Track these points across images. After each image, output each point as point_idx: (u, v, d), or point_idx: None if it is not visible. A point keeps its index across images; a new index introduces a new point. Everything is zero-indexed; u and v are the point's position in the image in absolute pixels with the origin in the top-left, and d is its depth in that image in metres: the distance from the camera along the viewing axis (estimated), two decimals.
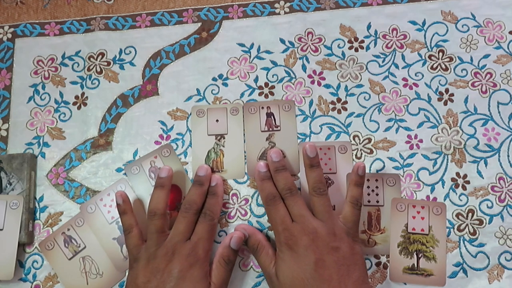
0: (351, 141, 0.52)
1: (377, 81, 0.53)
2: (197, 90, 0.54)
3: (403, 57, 0.54)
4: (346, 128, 0.52)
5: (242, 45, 0.55)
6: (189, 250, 0.44)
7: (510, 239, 0.48)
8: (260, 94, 0.54)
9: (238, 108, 0.53)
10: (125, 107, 0.54)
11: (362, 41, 0.55)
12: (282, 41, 0.55)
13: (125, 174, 0.52)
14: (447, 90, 0.53)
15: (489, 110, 0.52)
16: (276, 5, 0.56)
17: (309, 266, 0.41)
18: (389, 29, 0.55)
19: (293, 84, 0.54)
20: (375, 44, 0.55)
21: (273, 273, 0.44)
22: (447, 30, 0.54)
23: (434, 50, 0.54)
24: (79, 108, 0.55)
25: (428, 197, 0.50)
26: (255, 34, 0.56)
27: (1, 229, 0.49)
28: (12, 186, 0.51)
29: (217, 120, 0.53)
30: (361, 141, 0.52)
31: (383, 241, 0.49)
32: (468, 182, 0.50)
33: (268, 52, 0.55)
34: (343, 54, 0.54)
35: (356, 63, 0.54)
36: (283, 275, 0.42)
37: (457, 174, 0.50)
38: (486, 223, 0.49)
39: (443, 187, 0.50)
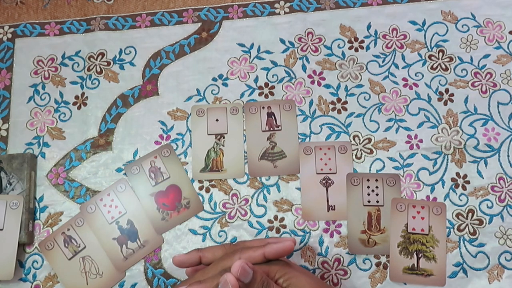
0: (351, 141, 0.52)
1: (377, 81, 0.53)
2: (197, 90, 0.54)
3: (403, 57, 0.54)
4: (346, 128, 0.52)
5: (242, 45, 0.55)
6: None
7: (510, 239, 0.48)
8: (260, 94, 0.54)
9: (238, 107, 0.53)
10: (125, 107, 0.54)
11: (362, 41, 0.55)
12: (282, 41, 0.55)
13: (125, 174, 0.52)
14: (447, 90, 0.53)
15: (489, 110, 0.52)
16: (276, 5, 0.56)
17: None
18: (389, 29, 0.55)
19: (293, 84, 0.54)
20: (375, 44, 0.55)
21: None
22: (447, 30, 0.54)
23: (434, 50, 0.54)
24: (79, 108, 0.55)
25: (428, 197, 0.50)
26: (255, 34, 0.56)
27: (1, 229, 0.49)
28: (12, 186, 0.51)
29: (217, 120, 0.53)
30: (361, 141, 0.52)
31: (383, 241, 0.49)
32: (468, 182, 0.50)
33: (268, 52, 0.55)
34: (343, 54, 0.54)
35: (356, 63, 0.54)
36: None
37: (457, 174, 0.50)
38: (486, 223, 0.49)
39: (443, 187, 0.50)
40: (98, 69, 0.56)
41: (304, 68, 0.54)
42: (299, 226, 0.50)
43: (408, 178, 0.50)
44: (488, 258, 0.48)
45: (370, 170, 0.51)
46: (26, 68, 0.56)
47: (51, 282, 0.50)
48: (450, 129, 0.51)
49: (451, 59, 0.54)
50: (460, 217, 0.49)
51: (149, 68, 0.55)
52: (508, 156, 0.50)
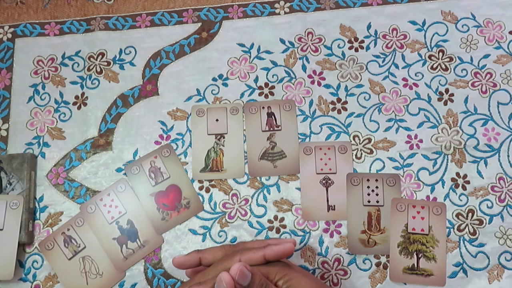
0: (351, 141, 0.52)
1: (377, 81, 0.53)
2: (197, 90, 0.54)
3: (403, 57, 0.54)
4: (346, 128, 0.52)
5: (242, 45, 0.55)
6: None
7: (510, 239, 0.48)
8: (260, 94, 0.54)
9: (238, 107, 0.53)
10: (125, 107, 0.54)
11: (362, 41, 0.55)
12: (282, 41, 0.55)
13: (125, 174, 0.52)
14: (447, 90, 0.53)
15: (489, 110, 0.52)
16: (276, 5, 0.56)
17: None
18: (389, 29, 0.55)
19: (293, 84, 0.54)
20: (375, 44, 0.55)
21: None
22: (447, 30, 0.54)
23: (434, 50, 0.54)
24: (79, 108, 0.55)
25: (428, 197, 0.50)
26: (255, 34, 0.56)
27: (1, 229, 0.49)
28: (12, 186, 0.51)
29: (217, 120, 0.53)
30: (361, 141, 0.52)
31: (383, 241, 0.49)
32: (468, 182, 0.50)
33: (268, 52, 0.55)
34: (343, 54, 0.54)
35: (356, 63, 0.54)
36: None
37: (457, 174, 0.50)
38: (486, 223, 0.49)
39: (443, 187, 0.50)
40: (98, 69, 0.56)
41: (304, 68, 0.54)
42: (299, 226, 0.50)
43: (408, 178, 0.50)
44: (488, 258, 0.48)
45: (370, 170, 0.51)
46: (26, 68, 0.56)
47: (51, 282, 0.50)
48: (450, 129, 0.51)
49: (451, 59, 0.54)
50: (460, 217, 0.49)
51: (149, 68, 0.55)
52: (508, 156, 0.50)
